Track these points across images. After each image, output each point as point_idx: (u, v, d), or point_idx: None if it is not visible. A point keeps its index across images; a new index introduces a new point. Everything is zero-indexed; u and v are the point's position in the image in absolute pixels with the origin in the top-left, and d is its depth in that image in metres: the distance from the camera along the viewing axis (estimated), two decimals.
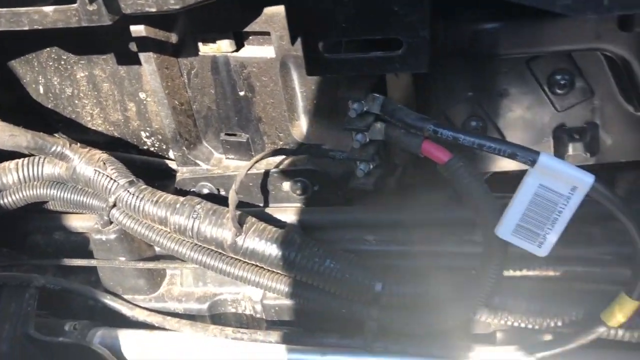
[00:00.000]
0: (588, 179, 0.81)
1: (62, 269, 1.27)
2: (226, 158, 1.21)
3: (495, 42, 0.89)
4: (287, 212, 1.16)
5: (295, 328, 1.15)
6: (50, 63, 1.24)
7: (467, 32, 0.89)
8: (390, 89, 0.99)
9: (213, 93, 1.14)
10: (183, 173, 1.20)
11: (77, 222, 1.26)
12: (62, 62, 1.23)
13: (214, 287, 1.23)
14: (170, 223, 1.09)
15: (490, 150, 0.84)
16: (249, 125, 1.16)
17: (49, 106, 1.29)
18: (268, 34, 1.02)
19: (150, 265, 1.19)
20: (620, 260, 1.01)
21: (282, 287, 1.08)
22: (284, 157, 1.14)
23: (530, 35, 0.88)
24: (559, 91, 0.97)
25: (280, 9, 0.97)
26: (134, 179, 1.14)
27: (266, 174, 1.15)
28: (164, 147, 1.30)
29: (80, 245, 1.26)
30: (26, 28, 0.91)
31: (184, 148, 1.18)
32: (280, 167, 1.14)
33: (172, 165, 1.29)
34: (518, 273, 1.02)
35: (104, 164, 1.13)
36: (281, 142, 1.15)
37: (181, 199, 1.10)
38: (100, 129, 1.30)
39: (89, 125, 1.30)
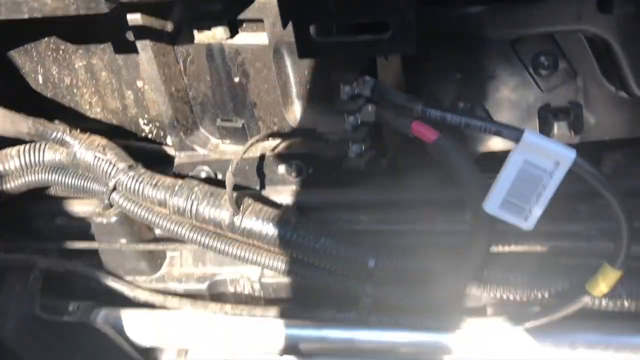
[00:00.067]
0: (570, 154, 0.85)
1: (64, 253, 1.30)
2: (222, 143, 1.24)
3: (481, 24, 0.92)
4: (283, 194, 1.19)
5: (292, 304, 1.19)
6: (49, 53, 1.27)
7: (453, 14, 0.93)
8: (381, 73, 1.02)
9: (209, 80, 1.16)
10: (181, 158, 1.23)
11: (78, 207, 1.29)
12: (61, 52, 1.26)
13: (213, 267, 1.27)
14: (169, 205, 1.12)
15: (476, 128, 0.87)
16: (244, 111, 1.19)
17: (48, 95, 1.32)
18: (261, 21, 1.05)
19: (151, 247, 1.23)
20: (606, 235, 1.05)
21: (279, 264, 1.12)
22: (279, 141, 1.17)
23: (514, 17, 0.92)
24: (543, 72, 1.01)
25: None
26: (133, 163, 1.17)
27: (262, 157, 1.18)
28: (162, 133, 1.33)
29: (82, 229, 1.29)
30: (26, 17, 0.93)
31: (181, 134, 1.21)
32: (276, 150, 1.17)
33: (170, 151, 1.32)
34: (507, 248, 1.06)
35: (104, 149, 1.16)
36: (276, 127, 1.18)
37: (180, 181, 1.14)
38: (99, 117, 1.33)
39: (88, 114, 1.33)
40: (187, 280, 1.27)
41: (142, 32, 1.09)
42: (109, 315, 1.23)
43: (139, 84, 1.26)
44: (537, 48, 1.00)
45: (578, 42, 0.98)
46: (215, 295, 1.26)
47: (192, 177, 1.20)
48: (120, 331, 1.22)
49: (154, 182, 1.14)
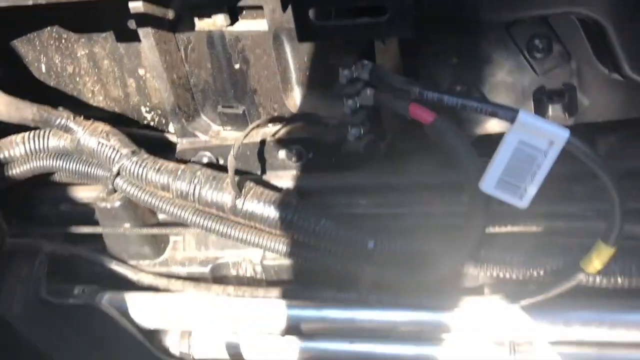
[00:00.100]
0: (564, 133, 0.87)
1: (69, 238, 1.33)
2: (224, 130, 1.26)
3: (478, 7, 0.94)
4: (284, 179, 1.21)
5: (293, 285, 1.21)
6: (51, 42, 1.28)
7: None
8: (379, 57, 1.04)
9: (209, 67, 1.18)
10: (183, 144, 1.25)
11: (82, 193, 1.31)
12: (63, 41, 1.28)
13: (215, 251, 1.29)
14: (172, 189, 1.15)
15: (472, 110, 0.89)
16: (244, 97, 1.20)
17: (51, 84, 1.34)
18: (261, 7, 1.07)
19: (154, 231, 1.25)
20: (601, 216, 1.07)
21: (280, 246, 1.15)
22: (279, 126, 1.19)
23: (509, 0, 0.93)
24: (537, 55, 1.03)
25: None
26: (136, 149, 1.19)
27: (262, 142, 1.20)
28: (164, 121, 1.35)
29: (86, 215, 1.31)
30: (30, 3, 0.95)
31: (183, 120, 1.23)
32: (276, 136, 1.19)
33: (172, 138, 1.34)
34: (503, 229, 1.08)
35: (107, 135, 1.18)
36: (276, 113, 1.20)
37: (182, 166, 1.16)
38: (101, 105, 1.35)
39: (91, 102, 1.35)
40: (190, 263, 1.29)
41: (143, 20, 1.10)
42: (113, 299, 1.25)
43: (141, 72, 1.28)
44: (531, 31, 1.02)
45: (571, 25, 1.00)
46: (218, 278, 1.28)
47: (195, 162, 1.22)
48: (125, 314, 1.24)
49: (157, 167, 1.16)
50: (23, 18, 1.21)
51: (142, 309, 1.25)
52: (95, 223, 1.30)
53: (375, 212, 1.19)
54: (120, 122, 1.35)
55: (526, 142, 0.89)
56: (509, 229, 1.08)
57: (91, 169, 1.22)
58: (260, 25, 1.10)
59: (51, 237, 1.31)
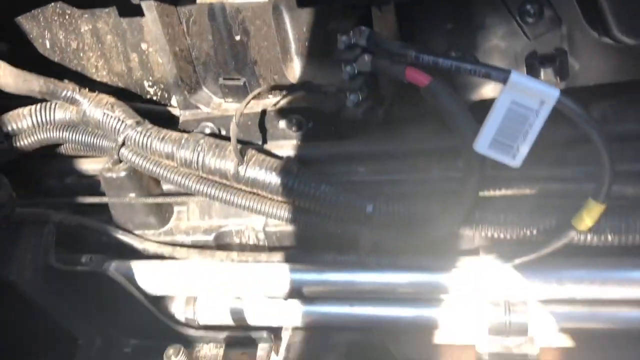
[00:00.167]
0: (554, 92, 0.90)
1: (76, 209, 1.36)
2: (225, 102, 1.28)
3: None
4: (284, 148, 1.24)
5: (295, 250, 1.25)
6: (55, 18, 1.31)
7: None
8: (376, 24, 1.06)
9: (210, 39, 1.21)
10: (185, 116, 1.28)
11: (88, 166, 1.34)
12: (67, 17, 1.30)
13: (219, 220, 1.32)
14: (176, 157, 1.18)
15: (466, 72, 0.92)
16: (245, 69, 1.23)
17: (56, 60, 1.36)
18: None
19: (159, 200, 1.28)
20: (593, 178, 1.10)
21: (282, 212, 1.18)
22: (279, 97, 1.22)
23: None
24: (529, 20, 1.06)
25: None
26: (140, 119, 1.22)
27: (263, 113, 1.23)
28: (166, 95, 1.38)
29: (91, 188, 1.35)
30: None
31: (186, 92, 1.25)
32: (276, 106, 1.22)
33: (175, 112, 1.36)
34: (498, 193, 1.12)
35: (112, 106, 1.21)
36: (276, 84, 1.23)
37: (185, 135, 1.19)
38: (105, 80, 1.37)
39: (95, 77, 1.37)
40: (194, 232, 1.32)
41: None
42: (120, 266, 1.28)
43: (144, 46, 1.30)
44: None
45: None
46: (222, 246, 1.31)
47: (198, 132, 1.25)
48: (132, 280, 1.27)
49: (161, 137, 1.19)
50: None
51: (148, 276, 1.29)
52: (101, 195, 1.33)
53: (374, 179, 1.22)
54: (124, 96, 1.37)
55: (518, 102, 0.92)
56: (503, 192, 1.12)
57: (97, 140, 1.25)
58: None
59: (58, 208, 1.34)
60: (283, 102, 1.22)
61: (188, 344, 1.32)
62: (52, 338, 1.36)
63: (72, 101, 1.22)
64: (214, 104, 1.28)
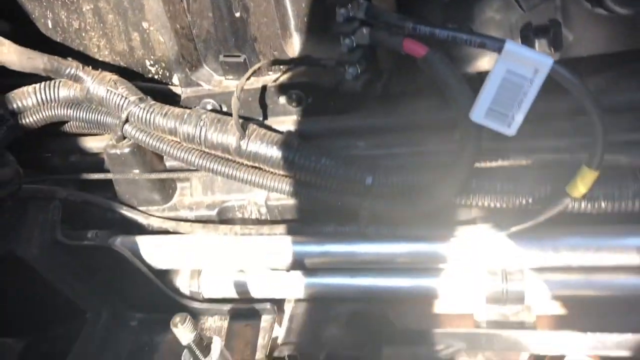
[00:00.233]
0: (548, 61, 0.92)
1: (81, 187, 1.39)
2: (226, 79, 1.30)
3: None
4: (285, 123, 1.26)
5: (296, 222, 1.27)
6: None
7: None
8: None
9: (211, 16, 1.23)
10: (187, 93, 1.30)
11: (92, 143, 1.37)
12: None
13: (221, 195, 1.34)
14: (179, 133, 1.20)
15: (462, 42, 0.94)
16: (245, 46, 1.25)
17: (58, 40, 1.38)
18: None
19: (163, 175, 1.31)
20: (587, 148, 1.13)
21: (283, 186, 1.20)
22: (279, 72, 1.24)
23: None
24: None
25: None
26: (143, 96, 1.25)
27: (263, 89, 1.25)
28: (167, 74, 1.39)
29: (95, 165, 1.37)
30: None
31: (187, 70, 1.27)
32: (276, 82, 1.24)
33: (176, 90, 1.38)
34: (494, 164, 1.14)
35: (115, 83, 1.24)
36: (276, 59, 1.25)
37: (188, 110, 1.21)
38: (107, 59, 1.39)
39: (97, 57, 1.39)
40: (198, 208, 1.35)
41: None
42: (125, 241, 1.31)
43: (145, 25, 1.32)
44: None
45: None
46: (225, 220, 1.34)
47: (200, 108, 1.27)
48: (137, 254, 1.30)
49: (164, 112, 1.22)
50: None
51: (153, 250, 1.31)
52: (105, 172, 1.35)
53: (373, 152, 1.24)
54: (126, 75, 1.39)
55: (513, 71, 0.94)
56: (500, 163, 1.14)
57: (101, 116, 1.27)
58: None
59: (64, 185, 1.37)
60: (283, 78, 1.24)
61: (193, 316, 1.32)
62: (61, 312, 1.40)
63: (76, 79, 1.24)
64: (215, 81, 1.30)
